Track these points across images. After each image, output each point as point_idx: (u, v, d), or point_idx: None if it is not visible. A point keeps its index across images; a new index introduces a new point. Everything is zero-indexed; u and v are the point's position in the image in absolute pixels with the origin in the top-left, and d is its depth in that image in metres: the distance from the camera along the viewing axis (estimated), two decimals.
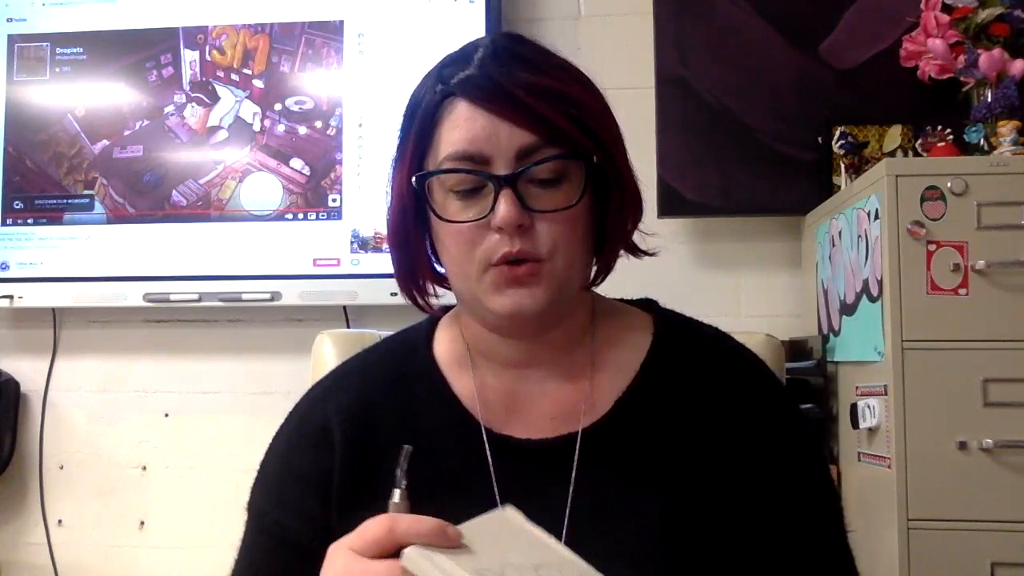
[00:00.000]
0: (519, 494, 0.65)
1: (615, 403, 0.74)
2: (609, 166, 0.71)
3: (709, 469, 0.71)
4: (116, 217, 2.16)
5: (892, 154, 1.87)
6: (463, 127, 0.67)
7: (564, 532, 0.67)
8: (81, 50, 2.19)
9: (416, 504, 0.64)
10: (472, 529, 0.59)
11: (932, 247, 1.42)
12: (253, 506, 0.79)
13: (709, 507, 0.70)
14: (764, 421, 0.74)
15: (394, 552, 0.56)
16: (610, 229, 0.73)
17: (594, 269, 0.77)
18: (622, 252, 0.77)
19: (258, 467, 0.81)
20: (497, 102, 0.67)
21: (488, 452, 0.72)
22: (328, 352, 1.05)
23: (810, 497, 0.74)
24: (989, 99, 1.67)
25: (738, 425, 0.73)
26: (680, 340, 0.78)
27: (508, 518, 0.61)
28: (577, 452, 0.71)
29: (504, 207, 0.66)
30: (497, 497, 0.70)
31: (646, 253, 0.79)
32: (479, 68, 0.68)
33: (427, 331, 0.82)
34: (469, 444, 0.73)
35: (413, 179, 0.70)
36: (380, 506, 0.63)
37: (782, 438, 0.75)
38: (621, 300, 0.83)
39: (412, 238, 0.75)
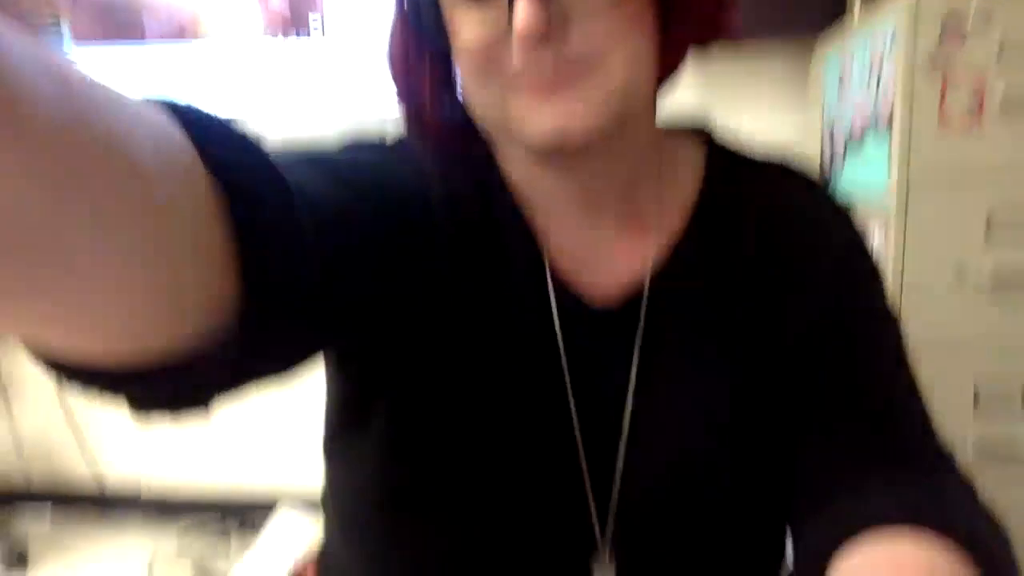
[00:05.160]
0: (582, 354, 0.59)
1: (673, 251, 0.62)
2: None
3: (777, 317, 0.61)
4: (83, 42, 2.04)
5: None
6: None
7: (630, 395, 0.60)
8: None
9: (475, 363, 0.58)
10: None
11: (948, 80, 1.36)
12: None
13: (778, 357, 0.61)
14: (831, 257, 0.62)
15: None
16: (677, 11, 0.54)
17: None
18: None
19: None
20: None
21: (553, 306, 0.61)
22: None
23: (877, 336, 0.62)
24: None
25: (803, 266, 0.62)
26: (736, 173, 0.65)
27: None
28: (644, 309, 0.61)
29: (525, 8, 0.48)
30: (563, 358, 0.60)
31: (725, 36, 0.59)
32: None
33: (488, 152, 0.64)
34: (535, 293, 0.61)
35: None
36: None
37: (851, 276, 0.62)
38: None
39: (418, 66, 0.59)
